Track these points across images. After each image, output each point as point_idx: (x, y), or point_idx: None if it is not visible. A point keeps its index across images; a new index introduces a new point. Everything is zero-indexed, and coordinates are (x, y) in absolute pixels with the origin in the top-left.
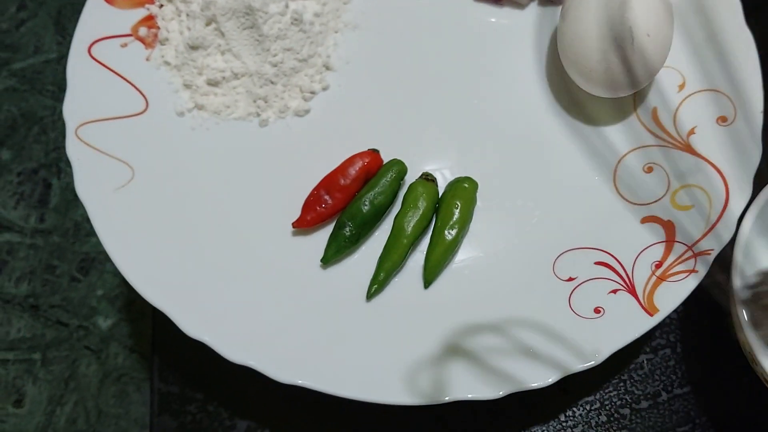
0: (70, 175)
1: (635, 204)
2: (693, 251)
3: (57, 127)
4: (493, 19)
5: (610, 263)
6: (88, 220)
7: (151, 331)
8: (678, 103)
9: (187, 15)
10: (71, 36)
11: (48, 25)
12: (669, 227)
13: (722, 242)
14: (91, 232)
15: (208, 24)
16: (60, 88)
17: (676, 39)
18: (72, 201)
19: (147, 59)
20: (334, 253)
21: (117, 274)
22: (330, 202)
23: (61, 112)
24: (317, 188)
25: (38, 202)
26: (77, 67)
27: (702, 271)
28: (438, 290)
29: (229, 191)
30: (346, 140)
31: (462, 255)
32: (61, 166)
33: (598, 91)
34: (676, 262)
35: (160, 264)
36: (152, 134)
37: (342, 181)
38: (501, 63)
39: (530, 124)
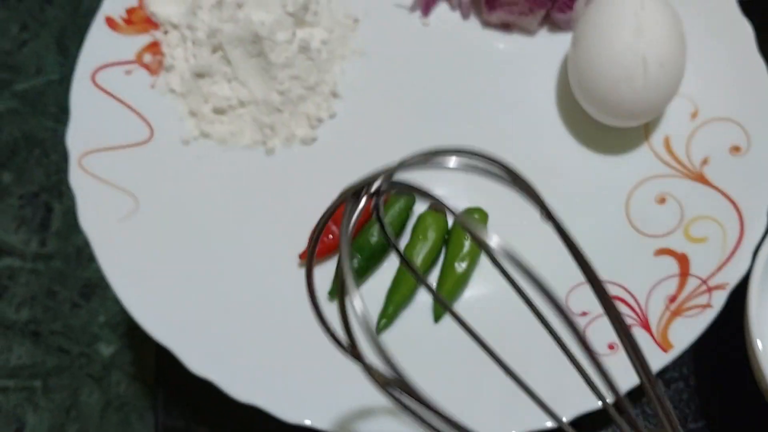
0: (72, 198)
1: (648, 236)
2: (708, 285)
3: (59, 150)
4: (501, 45)
5: (624, 297)
6: (89, 244)
7: (155, 359)
8: (690, 132)
9: (193, 42)
10: (74, 57)
11: (50, 46)
12: (683, 260)
13: (738, 276)
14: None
15: (214, 51)
16: (62, 110)
17: (688, 67)
18: (74, 225)
19: (152, 86)
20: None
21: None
22: (337, 233)
23: (63, 134)
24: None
25: (39, 226)
26: (81, 95)
27: (717, 306)
28: (448, 324)
29: (235, 222)
30: (354, 169)
31: (472, 288)
32: (63, 190)
33: (610, 121)
34: (690, 297)
35: (165, 298)
36: (157, 163)
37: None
38: (510, 90)
39: (540, 152)
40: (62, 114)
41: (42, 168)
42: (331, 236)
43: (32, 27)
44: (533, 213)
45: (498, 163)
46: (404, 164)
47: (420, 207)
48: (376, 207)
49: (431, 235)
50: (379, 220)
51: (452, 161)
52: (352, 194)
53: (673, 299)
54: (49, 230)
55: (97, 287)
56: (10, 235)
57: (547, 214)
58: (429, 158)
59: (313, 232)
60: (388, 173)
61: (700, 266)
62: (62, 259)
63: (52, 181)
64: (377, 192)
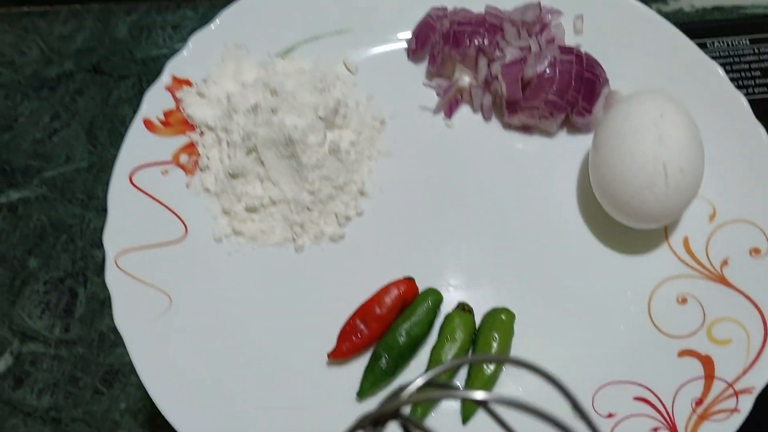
0: (97, 284)
1: (671, 336)
2: (734, 389)
3: (85, 236)
4: (522, 146)
5: (650, 399)
6: (113, 330)
7: None
8: (709, 233)
9: (228, 144)
10: (102, 145)
11: (80, 135)
12: (707, 362)
13: (764, 380)
14: (116, 343)
15: (248, 153)
16: (89, 196)
17: (706, 170)
18: (98, 311)
19: (187, 186)
20: (370, 386)
21: (140, 387)
22: (366, 332)
23: (89, 220)
24: (353, 317)
25: (64, 312)
26: (119, 195)
27: (745, 410)
28: (476, 427)
29: (264, 319)
30: (381, 266)
31: (500, 389)
32: (88, 275)
33: (632, 223)
34: (717, 400)
35: (196, 397)
36: (190, 261)
37: (378, 311)
38: (532, 190)
39: (562, 251)
40: (89, 200)
41: (68, 254)
42: (360, 335)
43: (63, 116)
44: (559, 313)
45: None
46: (413, 397)
47: (447, 304)
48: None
49: (459, 336)
50: None
51: (478, 394)
52: (370, 423)
53: (699, 402)
54: (74, 316)
55: (118, 373)
56: (35, 320)
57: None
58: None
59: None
60: (404, 402)
61: (725, 369)
62: (85, 345)
63: (78, 267)
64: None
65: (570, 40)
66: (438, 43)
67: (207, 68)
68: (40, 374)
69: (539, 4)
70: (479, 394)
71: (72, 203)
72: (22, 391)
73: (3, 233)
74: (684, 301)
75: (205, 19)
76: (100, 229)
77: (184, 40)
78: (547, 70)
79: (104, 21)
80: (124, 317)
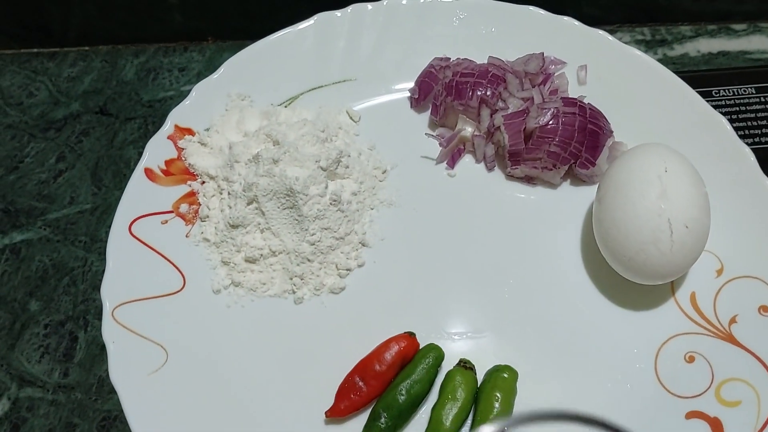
0: (97, 328)
1: (679, 396)
2: None
3: (87, 279)
4: (525, 197)
5: None
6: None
7: None
8: (717, 289)
9: (229, 194)
10: (107, 187)
11: (85, 176)
12: (716, 425)
13: None
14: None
15: (249, 203)
16: (92, 238)
17: (712, 224)
18: (98, 355)
19: (186, 236)
20: None
21: None
22: (365, 389)
23: (92, 263)
24: (352, 374)
25: (63, 356)
26: (118, 245)
27: None
28: None
29: (261, 374)
30: (382, 319)
31: None
32: (89, 319)
33: (636, 279)
34: None
35: None
36: (188, 313)
37: (377, 367)
38: (535, 241)
39: (565, 305)
40: (92, 243)
41: (69, 297)
42: (358, 393)
43: (69, 158)
44: (563, 370)
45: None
46: None
47: (447, 361)
48: None
49: (461, 394)
50: None
51: None
52: None
53: None
54: (73, 360)
55: (116, 420)
56: (34, 364)
57: None
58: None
59: None
60: None
61: None
62: (84, 390)
63: (79, 310)
64: None
65: (573, 91)
66: (441, 94)
67: (210, 117)
68: (37, 420)
69: (542, 54)
70: None
71: (75, 245)
72: None
73: (5, 275)
74: (692, 359)
75: (211, 62)
76: (102, 272)
77: (190, 82)
78: (550, 122)
79: (112, 63)
80: (120, 372)
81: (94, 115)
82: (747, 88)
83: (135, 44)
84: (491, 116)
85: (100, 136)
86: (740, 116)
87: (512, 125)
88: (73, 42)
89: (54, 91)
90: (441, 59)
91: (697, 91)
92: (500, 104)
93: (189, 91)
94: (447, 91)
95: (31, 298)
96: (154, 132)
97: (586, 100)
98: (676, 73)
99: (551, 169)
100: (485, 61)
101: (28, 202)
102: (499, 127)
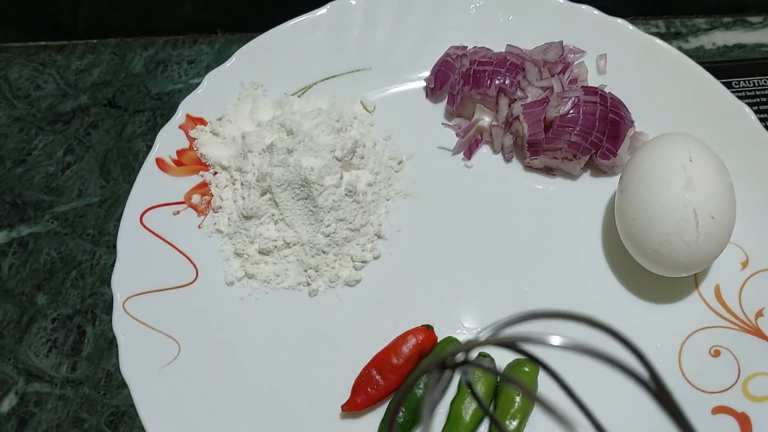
0: (105, 321)
1: (704, 392)
2: None
3: (95, 272)
4: (544, 188)
5: None
6: (120, 370)
7: None
8: (742, 282)
9: (242, 184)
10: (115, 180)
11: (93, 169)
12: (744, 421)
13: None
14: (123, 384)
15: (263, 194)
16: (101, 232)
17: (737, 214)
18: (106, 350)
19: (199, 227)
20: None
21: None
22: (381, 383)
23: (100, 256)
24: (368, 367)
25: (71, 350)
26: (128, 236)
27: None
28: None
29: (276, 368)
30: (398, 312)
31: None
32: (97, 313)
33: (661, 271)
34: None
35: None
36: (200, 306)
37: (395, 361)
38: (555, 233)
39: (586, 297)
40: (100, 236)
41: (77, 290)
42: (375, 387)
43: (77, 150)
44: (584, 365)
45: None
46: (490, 339)
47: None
48: (468, 383)
49: (480, 389)
50: (473, 393)
51: (554, 339)
52: (437, 365)
53: None
54: (81, 355)
55: (125, 415)
56: (41, 359)
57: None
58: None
59: (393, 413)
60: (471, 345)
61: (763, 428)
62: (92, 385)
63: (87, 304)
64: (463, 362)
65: (593, 81)
66: (457, 83)
67: (222, 107)
68: (45, 415)
69: (561, 43)
70: (555, 340)
71: (83, 239)
72: None
73: (13, 268)
74: (717, 353)
75: (221, 55)
76: (111, 266)
77: (199, 75)
78: (571, 111)
79: (120, 55)
80: (131, 365)
81: (103, 107)
82: (767, 79)
83: (144, 37)
84: (510, 105)
85: (108, 129)
86: (761, 107)
87: (532, 114)
88: (81, 34)
89: (62, 83)
90: (458, 48)
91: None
92: (519, 93)
93: (198, 84)
94: (464, 80)
95: (39, 292)
96: (163, 125)
97: (606, 90)
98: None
99: (571, 160)
100: (503, 50)
101: (36, 195)
102: (517, 117)
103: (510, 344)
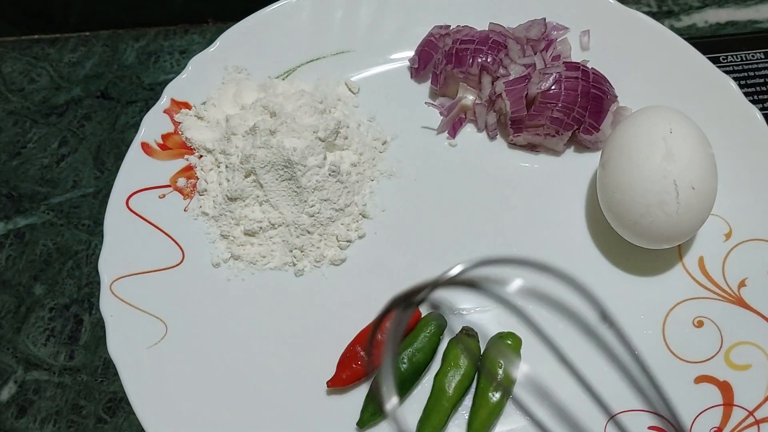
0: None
1: (687, 362)
2: (755, 417)
3: (91, 262)
4: (528, 165)
5: (666, 429)
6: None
7: None
8: (726, 253)
9: (227, 167)
10: (109, 171)
11: (87, 160)
12: (726, 389)
13: None
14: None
15: (247, 176)
16: (96, 222)
17: (720, 187)
18: (103, 337)
19: (185, 210)
20: (370, 416)
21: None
22: (365, 358)
23: (96, 246)
24: (353, 344)
25: (69, 339)
26: (115, 220)
27: None
28: None
29: (262, 346)
30: (383, 290)
31: (507, 418)
32: (93, 302)
33: (643, 243)
34: (736, 429)
35: (191, 427)
36: (187, 287)
37: (379, 337)
38: (539, 209)
39: (572, 271)
40: (96, 226)
41: (74, 280)
42: (360, 363)
43: (71, 142)
44: (569, 339)
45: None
46: (455, 277)
47: (450, 331)
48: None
49: (463, 362)
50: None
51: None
52: (402, 301)
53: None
54: (78, 343)
55: (122, 401)
56: (39, 347)
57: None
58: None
59: (367, 339)
60: (437, 282)
61: (744, 396)
62: (89, 372)
63: (83, 293)
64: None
65: (577, 57)
66: (440, 62)
67: (207, 91)
68: (44, 402)
69: (544, 20)
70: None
71: (78, 229)
72: (25, 421)
73: (9, 259)
74: (700, 324)
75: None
76: None
77: None
78: (552, 87)
79: (113, 47)
80: (119, 346)
81: (96, 99)
82: (756, 53)
83: (135, 28)
84: (492, 83)
85: (101, 120)
86: (749, 82)
87: (514, 91)
88: (73, 27)
89: (55, 76)
90: (441, 27)
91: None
92: (501, 71)
93: None
94: (447, 59)
95: (36, 282)
96: None
97: (589, 65)
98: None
99: (554, 136)
100: (486, 28)
101: (32, 187)
102: (500, 95)
103: (472, 283)
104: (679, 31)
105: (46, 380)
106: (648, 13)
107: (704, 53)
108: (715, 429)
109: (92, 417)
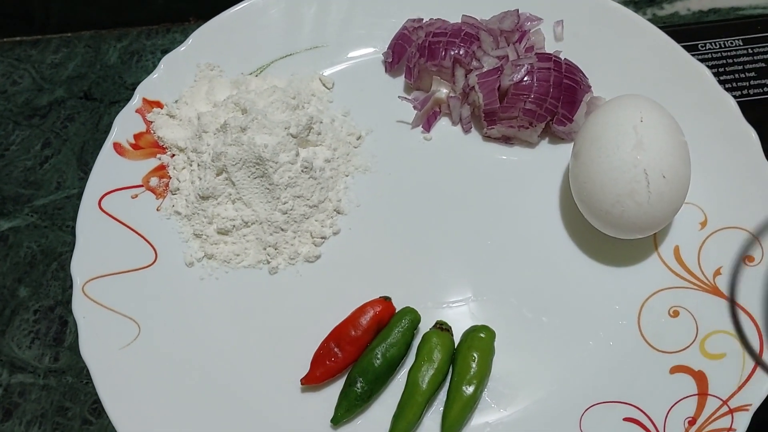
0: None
1: (663, 352)
2: (729, 406)
3: None
4: (503, 158)
5: (640, 419)
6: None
7: None
8: (701, 242)
9: (198, 165)
10: None
11: (71, 162)
12: (701, 378)
13: (761, 396)
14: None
15: (219, 174)
16: None
17: (695, 175)
18: None
19: (157, 209)
20: (345, 412)
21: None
22: (340, 355)
23: None
24: (327, 340)
25: (53, 341)
26: (87, 221)
27: (741, 429)
28: None
29: (236, 345)
30: (357, 286)
31: (481, 411)
32: None
33: (615, 233)
34: (711, 419)
35: (165, 426)
36: (161, 287)
37: (353, 333)
38: (514, 201)
39: (547, 264)
40: None
41: (58, 282)
42: (334, 359)
43: (54, 144)
44: (543, 329)
45: None
46: None
47: (425, 323)
48: None
49: (437, 357)
50: None
51: None
52: None
53: (692, 422)
54: (63, 345)
55: None
56: (24, 350)
57: None
58: None
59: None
60: None
61: (719, 385)
62: (74, 374)
63: (68, 295)
64: None
65: (551, 48)
66: (414, 56)
67: (179, 89)
68: (29, 405)
69: (517, 11)
70: None
71: (62, 230)
72: (10, 424)
73: None
74: (676, 314)
75: None
76: None
77: None
78: (525, 78)
79: (95, 48)
80: (91, 347)
81: (79, 100)
82: (734, 40)
83: (117, 28)
84: (466, 76)
85: (85, 121)
86: (728, 69)
87: (486, 84)
88: (55, 29)
89: (38, 78)
90: (414, 20)
91: (682, 46)
92: (475, 63)
93: None
94: (420, 53)
95: (20, 285)
96: None
97: (562, 56)
98: (662, 28)
99: (528, 128)
100: (459, 20)
101: (15, 190)
102: (474, 87)
103: None
104: (662, 20)
105: (31, 383)
106: (631, 3)
107: (684, 41)
108: (690, 419)
109: (78, 419)
